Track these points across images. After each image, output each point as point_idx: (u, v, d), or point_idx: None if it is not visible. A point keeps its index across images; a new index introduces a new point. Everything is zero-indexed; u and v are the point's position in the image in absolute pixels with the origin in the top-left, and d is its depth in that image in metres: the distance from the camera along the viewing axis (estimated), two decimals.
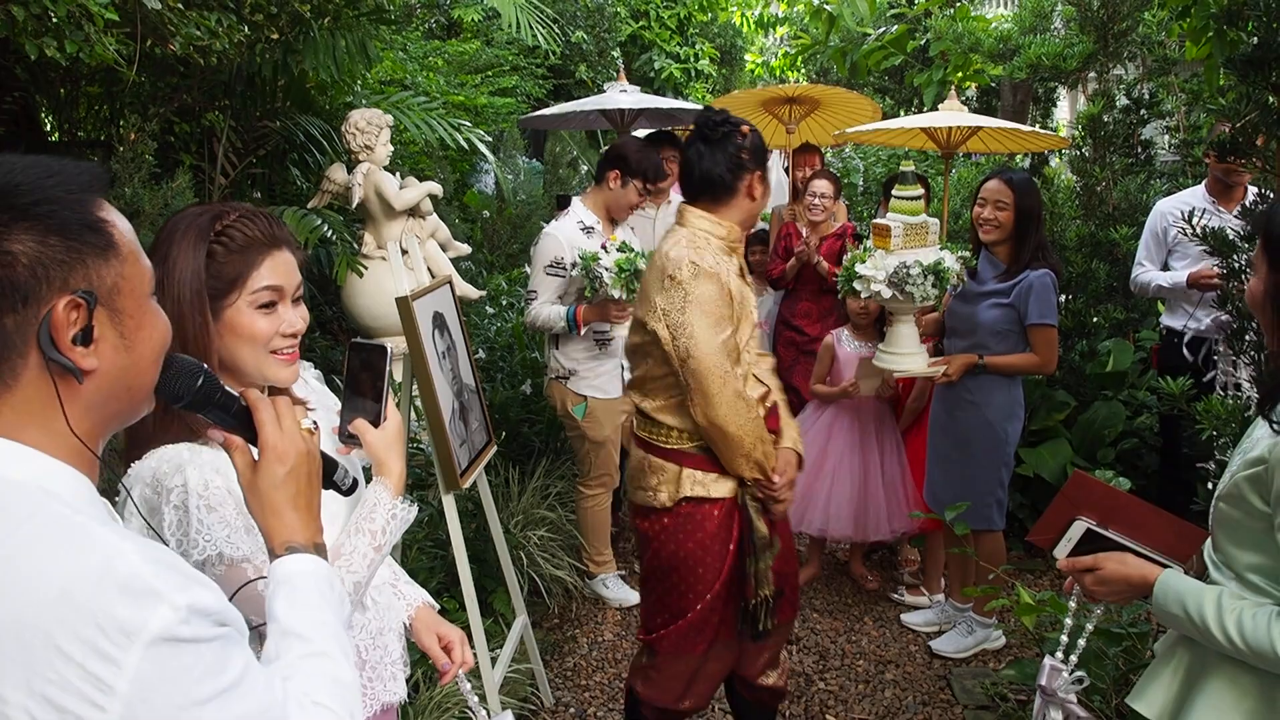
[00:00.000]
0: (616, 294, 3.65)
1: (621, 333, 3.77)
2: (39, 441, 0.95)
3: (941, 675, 3.75)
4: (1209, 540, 1.75)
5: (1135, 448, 4.97)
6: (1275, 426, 1.55)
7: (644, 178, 3.89)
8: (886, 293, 3.36)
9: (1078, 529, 1.86)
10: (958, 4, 8.21)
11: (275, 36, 3.62)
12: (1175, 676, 1.71)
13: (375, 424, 1.52)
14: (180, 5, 2.73)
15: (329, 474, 1.30)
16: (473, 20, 8.39)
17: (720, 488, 2.61)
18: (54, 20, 2.34)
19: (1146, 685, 1.75)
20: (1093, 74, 5.98)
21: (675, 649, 2.73)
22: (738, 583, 2.65)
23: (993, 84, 8.85)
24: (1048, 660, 2.07)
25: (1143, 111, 6.58)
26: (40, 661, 0.83)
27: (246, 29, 3.15)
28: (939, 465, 3.82)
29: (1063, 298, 5.50)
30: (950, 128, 4.60)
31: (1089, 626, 2.06)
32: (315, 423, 1.28)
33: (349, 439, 1.53)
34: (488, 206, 8.15)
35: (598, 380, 3.98)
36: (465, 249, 4.36)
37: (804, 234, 5.06)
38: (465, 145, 4.80)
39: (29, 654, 0.84)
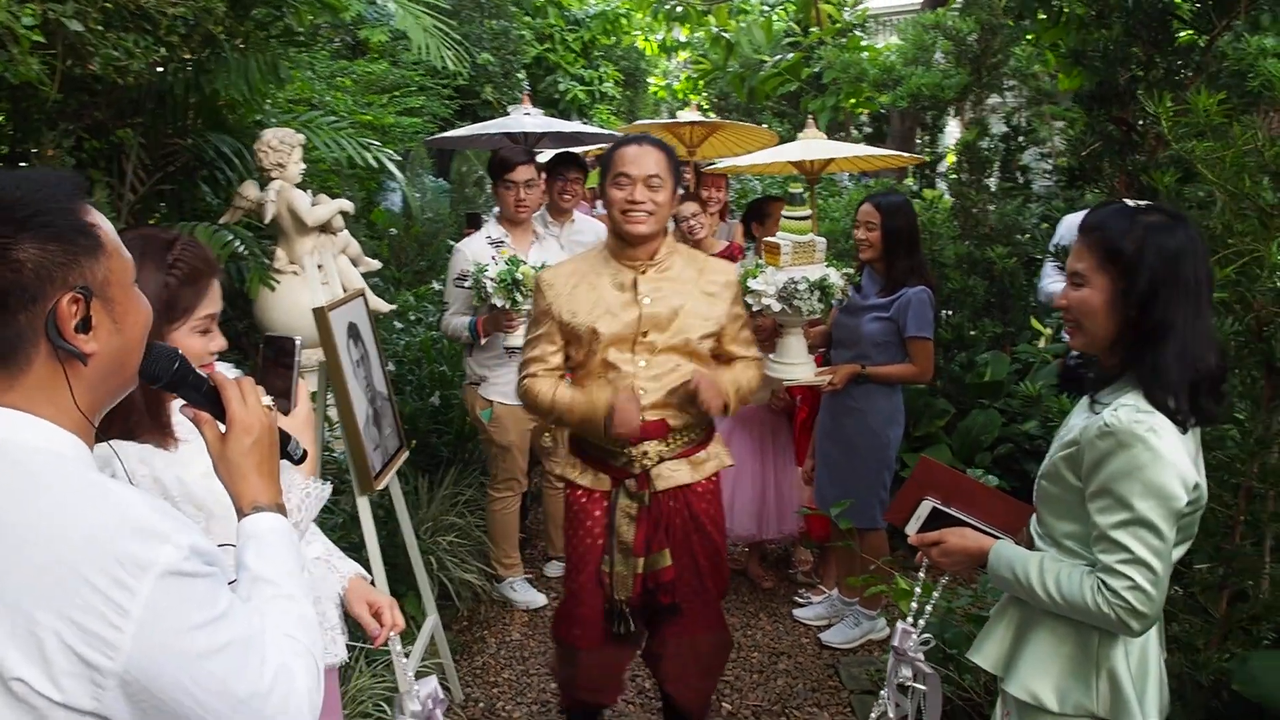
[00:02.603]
0: (499, 303, 3.84)
1: None
2: (51, 415, 1.12)
3: (830, 664, 4.01)
4: (1034, 515, 2.03)
5: (1010, 452, 5.34)
6: (1097, 407, 1.83)
7: (493, 177, 4.16)
8: (776, 306, 3.61)
9: (925, 508, 2.12)
10: (848, 35, 8.64)
11: (188, 57, 3.72)
12: (1007, 632, 1.99)
13: (285, 412, 1.67)
14: (100, 27, 2.84)
15: (283, 445, 1.46)
16: (379, 41, 8.49)
17: (584, 479, 2.85)
18: None
19: (983, 641, 2.02)
20: (969, 103, 6.41)
21: (557, 632, 2.98)
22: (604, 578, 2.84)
23: (883, 111, 9.31)
24: (900, 624, 2.34)
25: (1020, 139, 7.04)
26: (70, 591, 1.01)
27: (163, 49, 3.25)
28: (826, 468, 4.09)
29: (945, 313, 5.87)
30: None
31: (936, 594, 2.33)
32: (273, 401, 1.45)
33: None
34: (395, 224, 8.24)
35: (506, 388, 4.15)
36: (375, 264, 4.49)
37: None
38: (374, 164, 4.92)
39: (61, 586, 1.01)
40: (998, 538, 2.01)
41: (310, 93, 5.94)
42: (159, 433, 1.71)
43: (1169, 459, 1.70)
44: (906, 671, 2.31)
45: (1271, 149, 2.30)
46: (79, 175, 1.17)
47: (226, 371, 1.95)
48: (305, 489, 1.70)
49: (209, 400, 1.37)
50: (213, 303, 1.77)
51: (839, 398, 3.95)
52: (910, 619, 2.37)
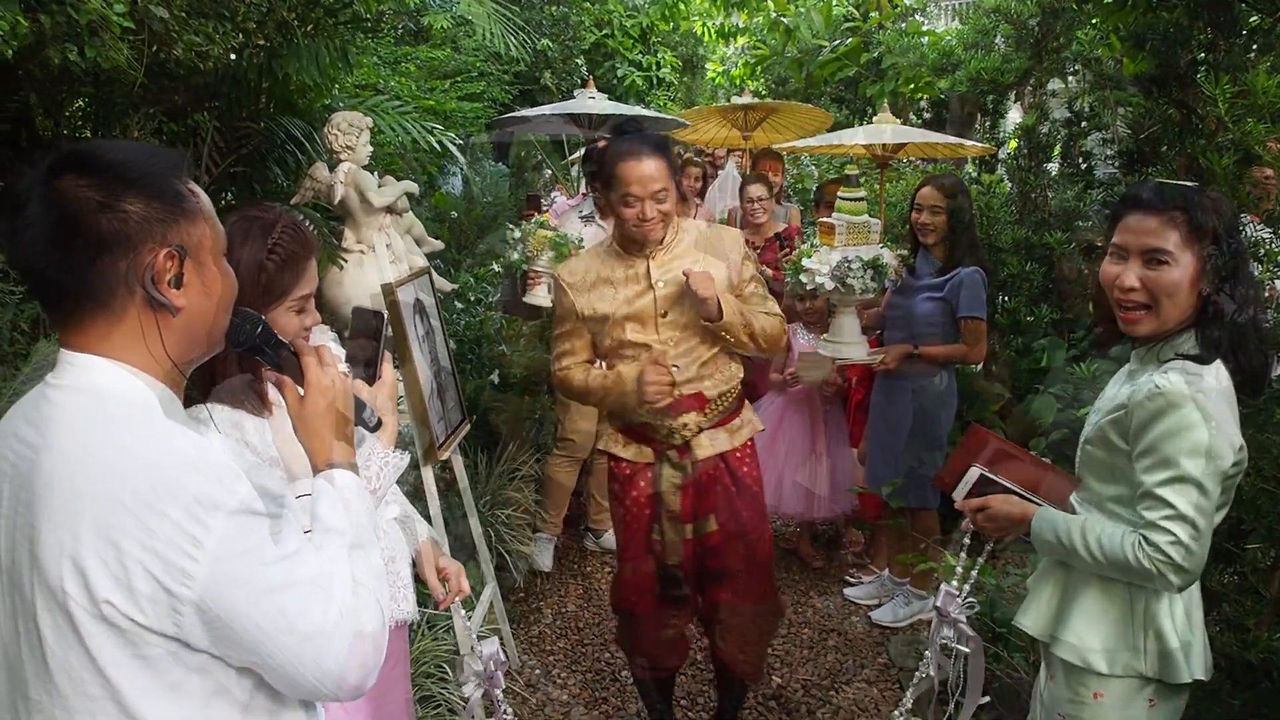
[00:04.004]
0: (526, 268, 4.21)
1: None
2: (143, 364, 1.23)
3: (880, 642, 4.06)
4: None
5: (1065, 438, 5.32)
6: (1138, 375, 1.90)
7: (592, 183, 4.34)
8: (829, 284, 3.66)
9: (973, 474, 2.18)
10: (908, 19, 8.58)
11: (262, 43, 3.86)
12: (1053, 598, 2.04)
13: (370, 380, 1.75)
14: (183, 14, 2.97)
15: (358, 412, 1.56)
16: (442, 27, 8.62)
17: (627, 451, 2.94)
18: (64, 27, 2.58)
19: (1029, 607, 2.08)
20: (1029, 87, 6.36)
21: (615, 601, 3.07)
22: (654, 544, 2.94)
23: (942, 96, 9.24)
24: (944, 586, 2.40)
25: (1084, 124, 6.94)
26: (151, 525, 1.11)
27: (239, 36, 3.38)
28: (878, 448, 4.13)
29: (1000, 298, 5.86)
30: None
31: (980, 560, 2.38)
32: (349, 368, 1.56)
33: None
34: (455, 208, 8.37)
35: None
36: (439, 245, 4.60)
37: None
38: (437, 147, 5.04)
39: (143, 520, 1.11)
40: (1041, 505, 2.06)
41: (376, 78, 6.08)
42: (254, 400, 1.83)
43: (1217, 420, 1.76)
44: (949, 632, 2.38)
45: None
46: (183, 152, 1.29)
47: (323, 337, 2.08)
48: (384, 457, 1.79)
49: (289, 365, 1.47)
50: (308, 283, 1.87)
51: (891, 378, 3.99)
52: (954, 582, 2.43)
